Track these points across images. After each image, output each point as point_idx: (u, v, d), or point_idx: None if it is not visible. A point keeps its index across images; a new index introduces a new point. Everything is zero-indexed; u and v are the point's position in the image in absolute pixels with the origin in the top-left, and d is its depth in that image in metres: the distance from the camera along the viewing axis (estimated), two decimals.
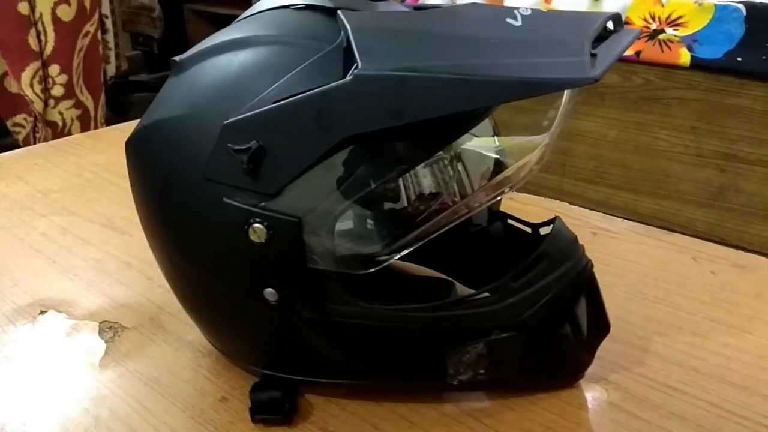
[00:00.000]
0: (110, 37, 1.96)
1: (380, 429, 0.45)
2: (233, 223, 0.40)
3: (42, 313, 0.58)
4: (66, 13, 1.66)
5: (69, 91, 1.70)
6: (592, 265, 0.45)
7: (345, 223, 0.40)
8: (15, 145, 1.66)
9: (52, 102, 1.68)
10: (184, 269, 0.45)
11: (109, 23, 1.93)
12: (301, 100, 0.37)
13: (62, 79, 1.68)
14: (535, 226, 0.52)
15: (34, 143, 1.69)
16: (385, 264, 0.40)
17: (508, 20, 0.38)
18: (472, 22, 0.39)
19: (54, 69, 1.66)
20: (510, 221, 0.54)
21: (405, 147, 0.38)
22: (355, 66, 0.37)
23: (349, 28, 0.39)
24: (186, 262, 0.44)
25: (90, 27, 1.74)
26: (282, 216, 0.39)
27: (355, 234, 0.40)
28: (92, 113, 1.80)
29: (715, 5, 1.35)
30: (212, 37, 0.46)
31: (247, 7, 0.48)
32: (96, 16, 1.78)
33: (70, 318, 0.58)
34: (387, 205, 0.43)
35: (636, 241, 0.71)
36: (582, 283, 0.45)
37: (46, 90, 1.66)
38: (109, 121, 1.90)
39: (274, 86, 0.39)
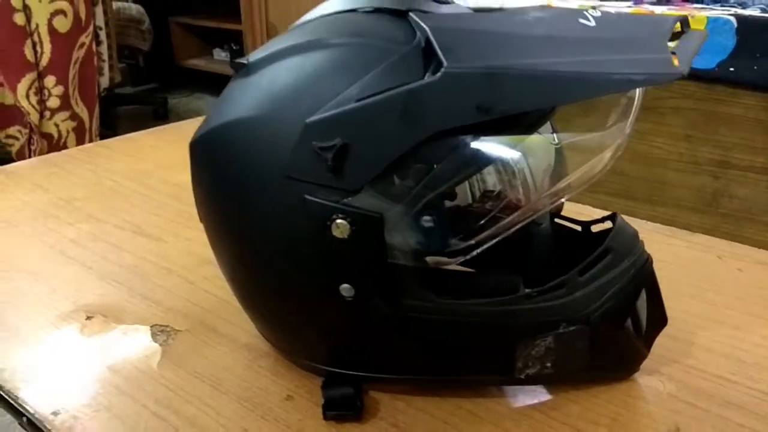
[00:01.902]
0: (104, 48, 1.95)
1: (450, 424, 0.46)
2: (315, 219, 0.40)
3: (89, 318, 0.58)
4: (62, 24, 1.65)
5: (65, 103, 1.68)
6: (652, 261, 0.47)
7: (426, 218, 0.40)
8: (7, 159, 1.63)
9: (47, 113, 1.66)
10: (256, 267, 0.45)
11: (102, 35, 1.92)
12: (387, 98, 0.38)
13: (58, 90, 1.66)
14: (587, 224, 0.53)
15: (29, 156, 1.67)
16: (466, 258, 0.41)
17: (581, 21, 0.40)
18: (545, 22, 0.41)
19: (50, 80, 1.65)
20: (558, 220, 0.55)
21: (488, 142, 0.39)
22: (438, 64, 0.38)
23: (427, 29, 0.40)
24: (259, 260, 0.44)
25: (85, 38, 1.73)
26: (365, 212, 0.39)
27: (436, 229, 0.41)
28: (87, 125, 1.79)
29: (707, 18, 1.39)
30: (277, 40, 0.47)
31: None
32: (91, 28, 1.77)
33: (119, 323, 0.57)
34: (467, 201, 0.44)
35: (662, 241, 0.74)
36: (643, 277, 0.46)
37: (42, 101, 1.65)
38: (99, 134, 1.88)
39: (355, 85, 0.40)
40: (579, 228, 0.54)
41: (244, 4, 2.89)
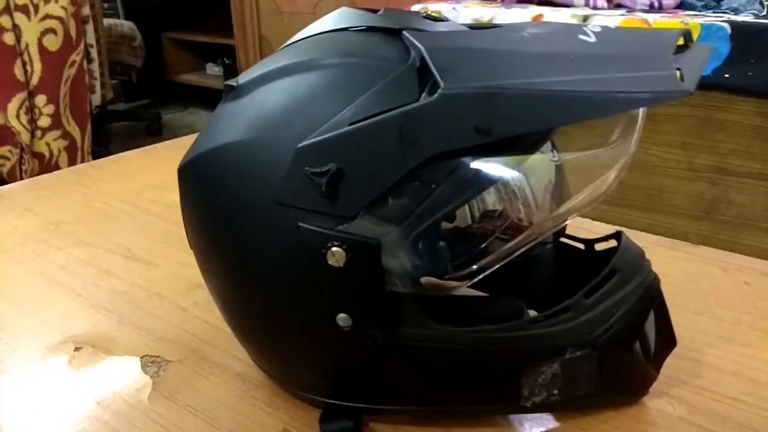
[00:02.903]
0: (95, 66, 1.94)
1: None
2: (309, 247, 0.39)
3: (77, 350, 0.56)
4: (52, 42, 1.63)
5: (56, 122, 1.67)
6: (659, 281, 0.45)
7: (425, 244, 0.39)
8: None
9: (39, 133, 1.64)
10: (249, 297, 0.43)
11: (94, 52, 1.91)
12: (382, 121, 0.37)
13: (49, 109, 1.64)
14: (590, 243, 0.52)
15: (20, 176, 1.65)
16: (469, 284, 0.39)
17: (581, 37, 0.38)
18: (543, 39, 0.39)
19: (41, 99, 1.63)
20: (562, 239, 0.54)
21: (487, 164, 0.37)
22: (433, 84, 0.37)
23: (422, 48, 0.38)
24: (252, 290, 0.43)
25: (76, 56, 1.72)
26: (361, 238, 0.38)
27: (436, 254, 0.39)
28: (79, 143, 1.77)
29: (701, 24, 1.39)
30: (268, 61, 0.46)
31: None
32: (82, 46, 1.75)
33: (108, 354, 0.55)
34: (466, 223, 0.42)
35: (664, 254, 0.72)
36: (651, 297, 0.45)
37: (32, 121, 1.63)
38: (92, 152, 1.86)
39: (348, 108, 0.38)
40: (582, 246, 0.52)
41: (236, 19, 2.88)
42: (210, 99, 3.35)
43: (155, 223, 0.80)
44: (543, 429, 0.46)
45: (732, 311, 0.60)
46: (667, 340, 0.47)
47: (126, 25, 2.61)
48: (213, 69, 3.40)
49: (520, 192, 0.42)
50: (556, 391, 0.43)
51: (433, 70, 0.37)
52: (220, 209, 0.42)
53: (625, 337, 0.44)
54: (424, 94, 0.37)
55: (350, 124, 0.38)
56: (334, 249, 0.38)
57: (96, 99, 1.98)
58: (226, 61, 3.16)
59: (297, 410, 0.48)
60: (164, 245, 0.74)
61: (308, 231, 0.38)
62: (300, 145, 0.38)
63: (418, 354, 0.42)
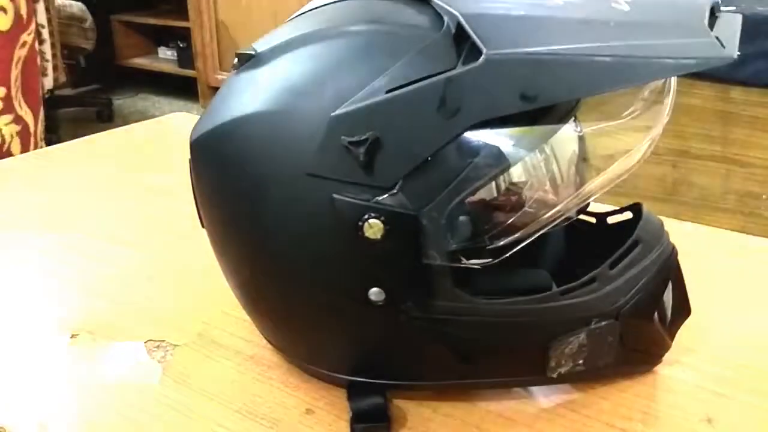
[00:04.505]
0: (47, 47, 1.84)
1: (483, 429, 0.44)
2: (345, 220, 0.37)
3: (74, 337, 0.53)
4: (2, 21, 1.54)
5: (8, 106, 1.58)
6: (677, 251, 0.46)
7: (463, 216, 0.38)
8: None
9: None
10: (275, 275, 0.42)
11: (45, 33, 1.81)
12: (422, 88, 0.36)
13: (0, 92, 1.55)
14: (603, 216, 0.52)
15: None
16: (505, 256, 0.39)
17: (614, 5, 0.38)
18: (580, 6, 0.39)
19: None
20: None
21: (527, 132, 0.37)
22: (472, 50, 0.36)
23: (458, 14, 0.37)
24: (279, 267, 0.41)
25: (27, 36, 1.63)
26: (400, 210, 0.37)
27: (474, 227, 0.38)
28: (32, 129, 1.68)
29: None
30: (283, 29, 0.44)
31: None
32: (33, 26, 1.66)
33: (109, 340, 0.53)
34: (504, 196, 0.42)
35: None
36: (670, 267, 0.46)
37: None
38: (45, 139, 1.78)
39: (383, 75, 0.37)
40: (593, 220, 0.52)
41: (192, 1, 2.79)
42: (162, 84, 3.25)
43: (133, 208, 0.76)
44: (565, 399, 0.46)
45: (730, 286, 0.62)
46: (682, 309, 0.48)
47: (75, 6, 2.49)
48: (165, 53, 3.29)
49: (551, 163, 0.42)
50: (581, 362, 0.44)
51: (473, 36, 0.36)
52: (244, 183, 0.40)
53: (645, 306, 0.45)
54: (460, 61, 0.36)
55: (387, 92, 0.36)
56: (371, 221, 0.37)
57: (48, 82, 1.88)
58: (180, 45, 3.06)
59: (318, 390, 0.46)
60: (146, 229, 0.71)
61: (343, 203, 0.37)
62: (334, 113, 0.37)
63: (450, 327, 0.41)
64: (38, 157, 0.97)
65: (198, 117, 0.45)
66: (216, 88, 1.41)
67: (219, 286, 0.48)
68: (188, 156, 0.44)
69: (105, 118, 2.97)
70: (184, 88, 3.12)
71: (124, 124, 1.14)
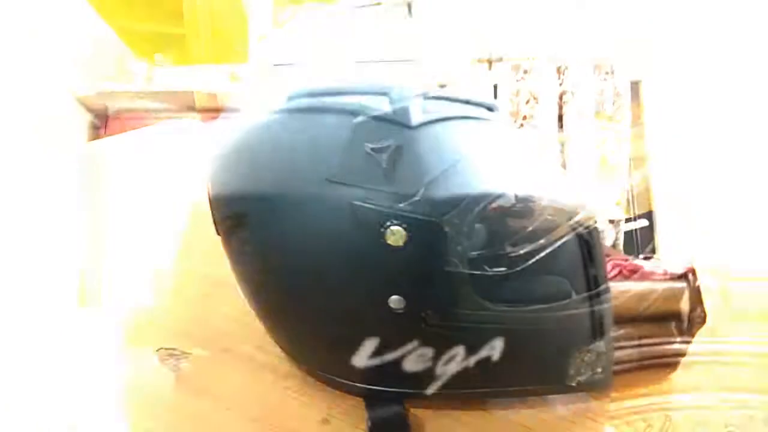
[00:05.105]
0: None
1: None
2: (367, 226, 0.37)
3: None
4: None
5: None
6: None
7: (485, 223, 0.38)
8: None
9: None
10: (293, 282, 0.41)
11: None
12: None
13: None
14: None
15: None
16: (528, 263, 0.39)
17: None
18: None
19: None
20: None
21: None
22: None
23: None
24: (297, 275, 0.41)
25: None
26: (423, 217, 0.37)
27: (496, 233, 0.38)
28: None
29: None
30: None
31: None
32: None
33: (120, 347, 0.52)
34: (525, 204, 0.41)
35: None
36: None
37: None
38: None
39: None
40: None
41: None
42: None
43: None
44: (583, 406, 0.46)
45: None
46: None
47: None
48: None
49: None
50: (600, 369, 0.43)
51: None
52: (262, 190, 0.40)
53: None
54: None
55: None
56: (393, 228, 0.37)
57: None
58: None
59: (333, 399, 0.46)
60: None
61: (365, 210, 0.37)
62: (357, 120, 0.37)
63: (471, 335, 0.41)
64: None
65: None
66: None
67: (230, 292, 0.48)
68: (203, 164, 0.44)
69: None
70: None
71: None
